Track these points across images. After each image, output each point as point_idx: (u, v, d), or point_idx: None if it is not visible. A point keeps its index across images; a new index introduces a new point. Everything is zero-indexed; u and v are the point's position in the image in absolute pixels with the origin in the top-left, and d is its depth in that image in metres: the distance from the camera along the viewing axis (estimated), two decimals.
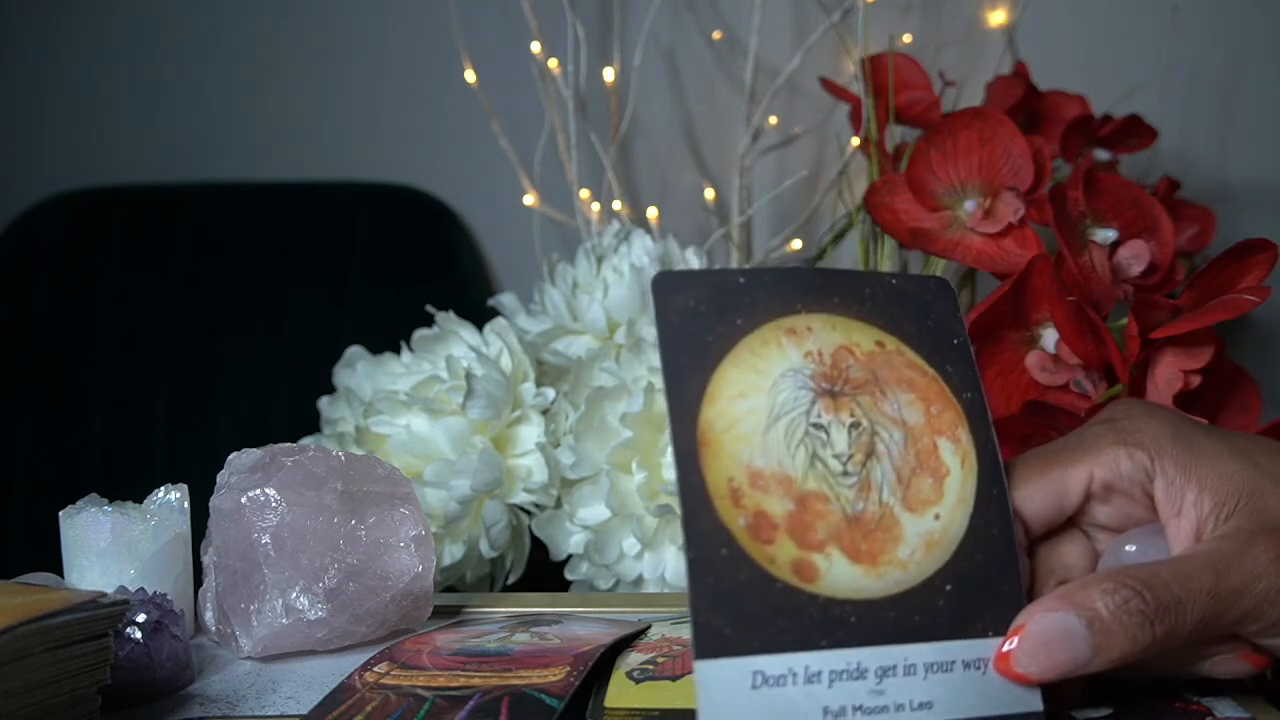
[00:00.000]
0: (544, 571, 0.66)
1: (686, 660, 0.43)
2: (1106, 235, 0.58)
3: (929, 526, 0.37)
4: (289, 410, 0.96)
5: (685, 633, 0.47)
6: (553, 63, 0.86)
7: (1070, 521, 0.40)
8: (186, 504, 0.51)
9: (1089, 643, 0.34)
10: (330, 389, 0.74)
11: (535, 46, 0.86)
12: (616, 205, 0.88)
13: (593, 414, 0.63)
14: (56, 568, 0.49)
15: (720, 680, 0.33)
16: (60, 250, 1.03)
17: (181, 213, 1.03)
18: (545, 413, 0.67)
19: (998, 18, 0.89)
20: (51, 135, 1.10)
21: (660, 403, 0.63)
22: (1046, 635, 0.35)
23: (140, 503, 0.50)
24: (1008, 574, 0.37)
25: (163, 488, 0.51)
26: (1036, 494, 0.39)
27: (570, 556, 0.65)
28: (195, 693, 0.45)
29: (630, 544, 0.63)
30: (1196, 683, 0.39)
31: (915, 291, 0.40)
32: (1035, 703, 0.36)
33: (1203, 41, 0.91)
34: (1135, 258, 0.58)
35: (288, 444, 0.51)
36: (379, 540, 0.49)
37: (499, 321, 0.70)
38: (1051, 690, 0.36)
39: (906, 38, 0.88)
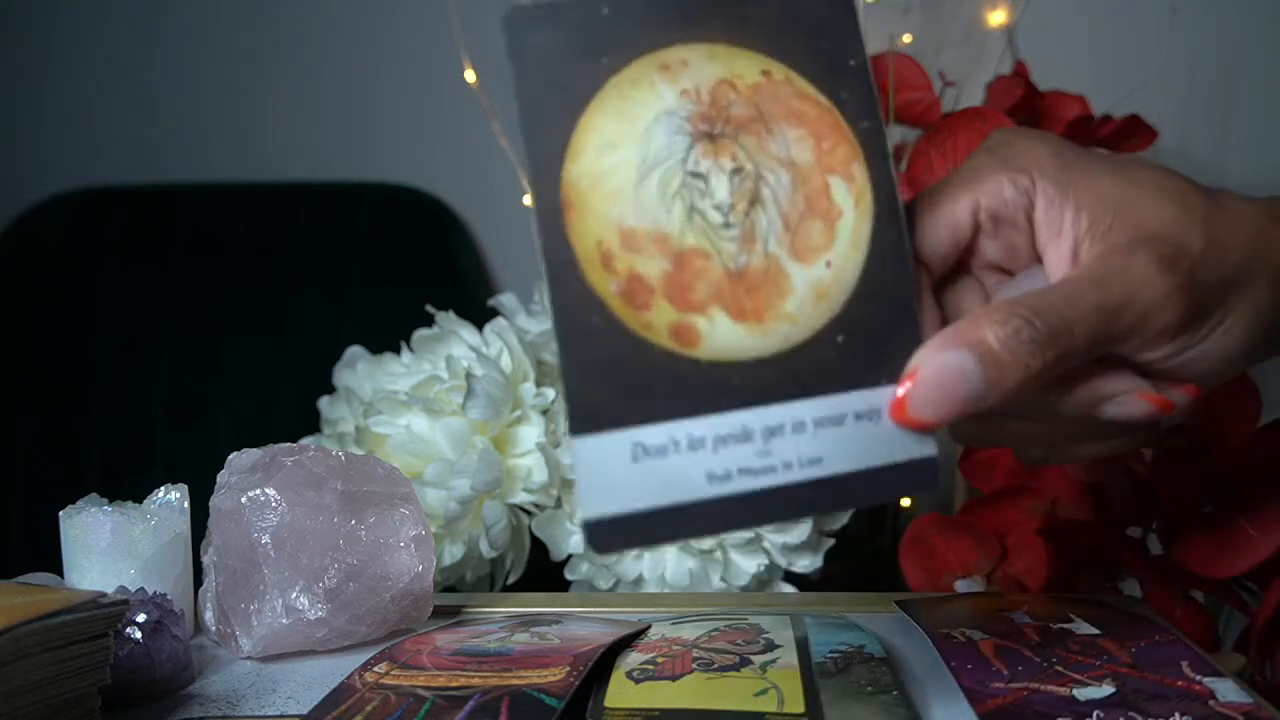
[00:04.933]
0: (544, 571, 0.66)
1: (686, 660, 0.43)
2: None
3: (819, 275, 0.34)
4: (289, 410, 0.96)
5: (685, 632, 0.47)
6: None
7: (961, 268, 0.39)
8: (186, 504, 0.51)
9: (982, 377, 0.34)
10: (330, 389, 0.74)
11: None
12: None
13: None
14: (56, 568, 0.49)
15: (599, 455, 0.32)
16: (60, 250, 1.03)
17: (181, 213, 1.03)
18: (545, 413, 0.67)
19: (998, 18, 0.89)
20: (51, 135, 1.10)
21: None
22: (940, 376, 0.34)
23: (140, 503, 0.50)
24: (904, 320, 0.35)
25: (163, 488, 0.51)
26: (929, 231, 0.38)
27: (570, 556, 0.65)
28: (195, 693, 0.45)
29: None
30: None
31: (808, 7, 0.36)
32: (928, 448, 0.35)
33: (1203, 41, 0.91)
34: None
35: (288, 444, 0.51)
36: (379, 540, 0.49)
37: (499, 321, 0.70)
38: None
39: (906, 38, 0.88)
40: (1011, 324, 0.34)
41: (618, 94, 0.33)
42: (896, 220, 0.35)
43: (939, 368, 0.34)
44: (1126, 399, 0.37)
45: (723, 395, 0.33)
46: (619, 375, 0.32)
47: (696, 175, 0.33)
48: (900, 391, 0.34)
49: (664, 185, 0.33)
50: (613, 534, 0.32)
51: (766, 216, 0.34)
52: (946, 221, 0.38)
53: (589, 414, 0.32)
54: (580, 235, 0.32)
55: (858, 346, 0.34)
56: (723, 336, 0.33)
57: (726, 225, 0.33)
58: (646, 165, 0.33)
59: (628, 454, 0.32)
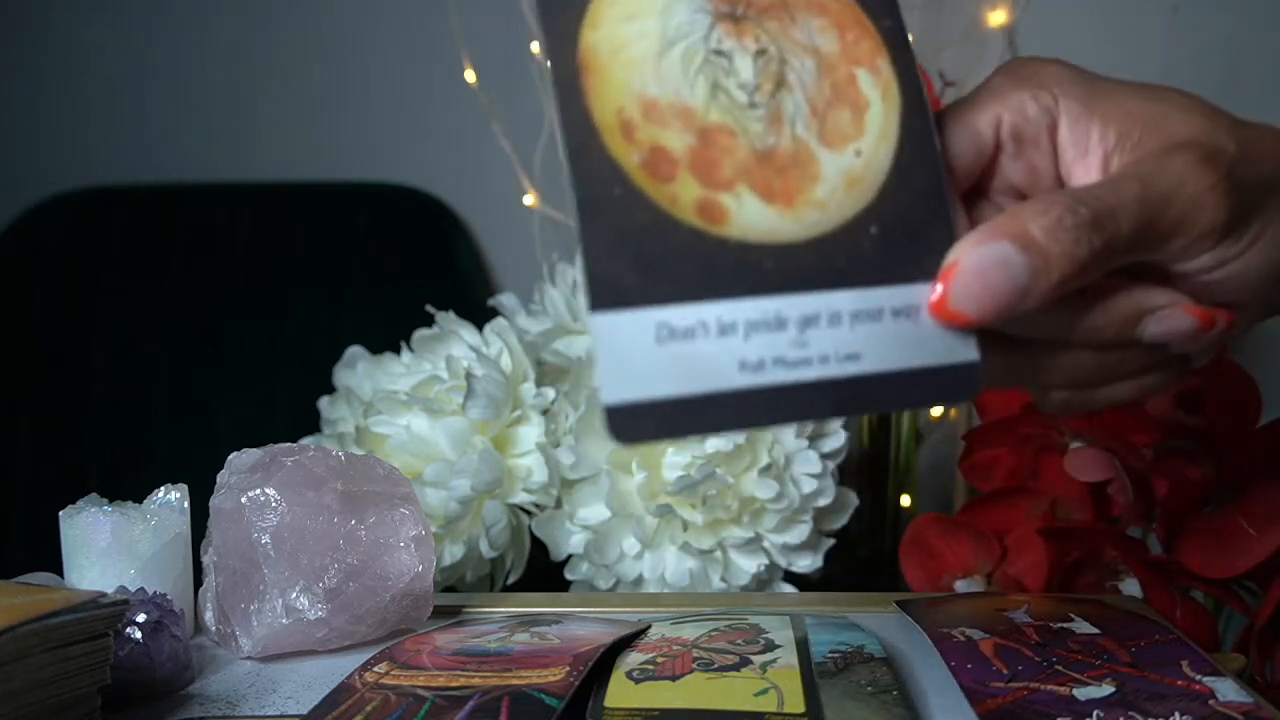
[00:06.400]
0: (544, 571, 0.66)
1: (686, 660, 0.43)
2: None
3: (849, 163, 0.33)
4: (289, 410, 0.96)
5: (685, 632, 0.47)
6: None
7: (981, 192, 0.38)
8: (186, 504, 0.51)
9: (1027, 268, 0.32)
10: (330, 389, 0.74)
11: (535, 46, 0.86)
12: None
13: (593, 414, 0.63)
14: (56, 568, 0.49)
15: (621, 335, 0.29)
16: (60, 250, 1.03)
17: (181, 213, 1.03)
18: (545, 413, 0.67)
19: (998, 18, 0.89)
20: (51, 135, 1.10)
21: None
22: (981, 267, 0.32)
23: (140, 503, 0.50)
24: (937, 215, 0.34)
25: (163, 488, 0.51)
26: (951, 144, 0.36)
27: (570, 556, 0.65)
28: (195, 693, 0.45)
29: (630, 544, 0.63)
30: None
31: None
32: (970, 352, 0.33)
33: (1203, 41, 0.91)
34: None
35: (288, 444, 0.51)
36: (379, 540, 0.49)
37: (499, 321, 0.70)
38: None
39: None
40: (1054, 212, 0.33)
41: None
42: (925, 116, 0.34)
43: (980, 259, 0.32)
44: (1170, 313, 0.35)
45: (754, 278, 0.31)
46: (642, 249, 0.30)
47: (720, 54, 0.32)
48: (939, 286, 0.33)
49: (687, 60, 0.32)
50: (636, 422, 0.29)
51: (793, 100, 0.33)
52: (969, 135, 0.36)
53: (610, 288, 0.29)
54: (600, 102, 0.30)
55: (892, 239, 0.33)
56: (752, 216, 0.31)
57: (752, 105, 0.32)
58: (668, 38, 0.32)
59: (652, 335, 0.30)
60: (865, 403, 0.32)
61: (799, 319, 0.31)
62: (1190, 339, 0.36)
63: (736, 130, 0.32)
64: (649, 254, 0.30)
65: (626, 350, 0.29)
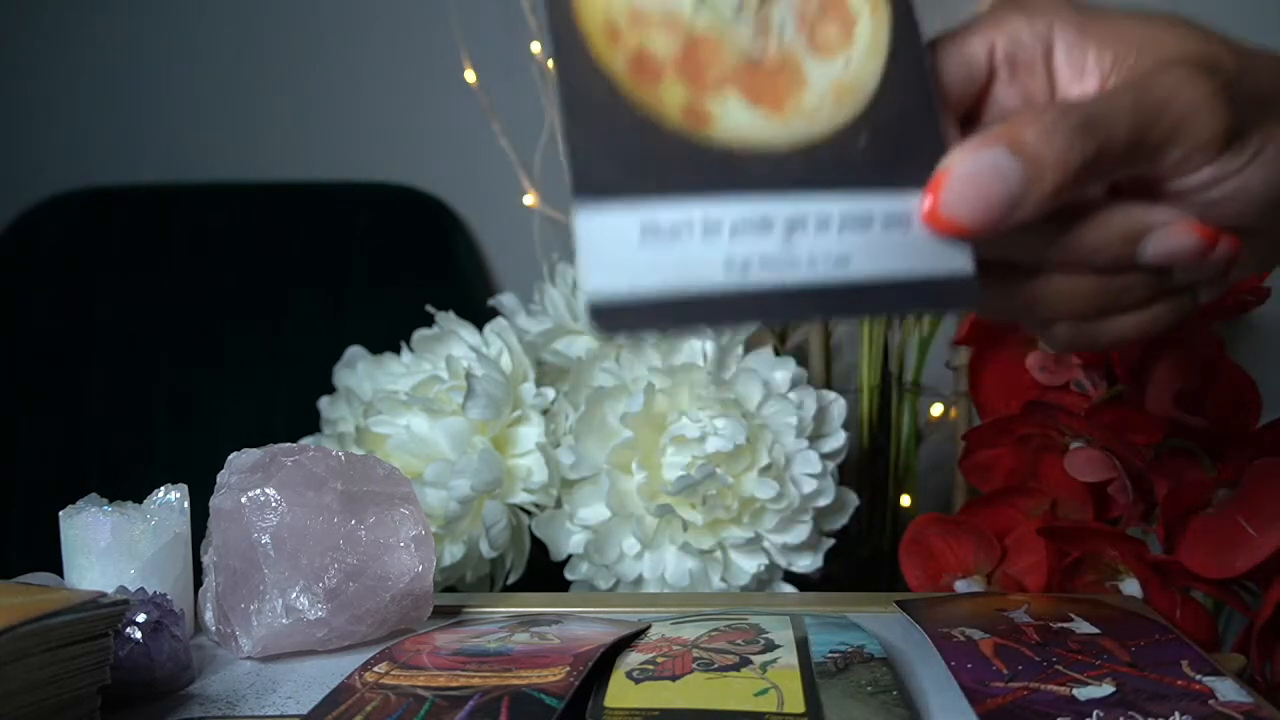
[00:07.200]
0: (544, 571, 0.66)
1: (686, 660, 0.43)
2: None
3: (838, 72, 0.33)
4: (289, 410, 0.96)
5: (685, 632, 0.47)
6: (552, 63, 0.86)
7: (974, 120, 0.37)
8: (186, 504, 0.51)
9: (1020, 174, 0.32)
10: (330, 389, 0.74)
11: (535, 46, 0.86)
12: None
13: (593, 414, 0.63)
14: (56, 568, 0.49)
15: (605, 229, 0.29)
16: (60, 250, 1.03)
17: (181, 213, 1.03)
18: (545, 413, 0.67)
19: None
20: (51, 135, 1.10)
21: (660, 402, 0.62)
22: (974, 173, 0.32)
23: (140, 503, 0.50)
24: (928, 128, 0.33)
25: (163, 488, 0.51)
26: (944, 68, 0.36)
27: (570, 556, 0.65)
28: (195, 693, 0.45)
29: (630, 544, 0.63)
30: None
31: None
32: (965, 263, 0.33)
33: None
34: None
35: (288, 444, 0.51)
36: (379, 540, 0.49)
37: (499, 321, 0.70)
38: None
39: None
40: (1046, 117, 0.32)
41: None
42: (915, 32, 0.34)
43: (973, 165, 0.32)
44: (1171, 229, 0.34)
45: (740, 179, 0.31)
46: (628, 148, 0.30)
47: None
48: (931, 193, 0.32)
49: None
50: (620, 315, 0.29)
51: (780, 11, 0.32)
52: (962, 59, 0.36)
53: (595, 180, 0.29)
54: (587, 10, 0.30)
55: (883, 148, 0.33)
56: (738, 120, 0.31)
57: (740, 11, 0.32)
58: None
59: (636, 232, 0.29)
60: (854, 306, 0.32)
61: (786, 221, 0.31)
62: (1194, 260, 0.35)
63: (724, 39, 0.32)
64: (634, 153, 0.30)
65: (610, 245, 0.29)
